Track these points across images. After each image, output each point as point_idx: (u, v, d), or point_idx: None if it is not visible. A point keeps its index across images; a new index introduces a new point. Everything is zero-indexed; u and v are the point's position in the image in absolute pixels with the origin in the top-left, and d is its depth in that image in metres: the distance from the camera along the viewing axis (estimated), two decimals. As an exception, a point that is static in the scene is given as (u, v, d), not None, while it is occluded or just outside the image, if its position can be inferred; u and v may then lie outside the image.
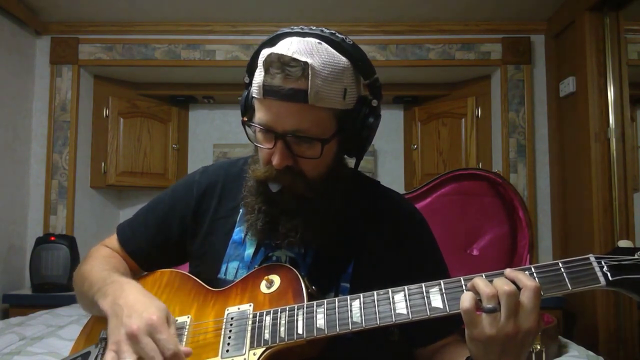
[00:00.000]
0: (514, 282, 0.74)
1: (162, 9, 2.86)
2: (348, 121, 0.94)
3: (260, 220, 0.96)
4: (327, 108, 0.90)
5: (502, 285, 0.73)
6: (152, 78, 3.28)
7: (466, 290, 0.76)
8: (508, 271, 0.76)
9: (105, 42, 3.04)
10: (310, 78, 0.85)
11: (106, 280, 0.95)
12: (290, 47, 0.88)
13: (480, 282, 0.75)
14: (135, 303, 0.85)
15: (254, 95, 0.92)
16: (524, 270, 0.77)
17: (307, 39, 0.92)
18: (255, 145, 0.98)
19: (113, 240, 1.14)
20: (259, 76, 0.89)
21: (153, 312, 0.83)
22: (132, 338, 0.80)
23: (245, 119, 0.97)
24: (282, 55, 0.86)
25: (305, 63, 0.85)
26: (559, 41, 2.83)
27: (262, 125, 0.91)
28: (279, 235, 0.95)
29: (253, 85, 0.92)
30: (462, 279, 0.78)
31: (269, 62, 0.87)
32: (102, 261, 1.05)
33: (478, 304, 0.73)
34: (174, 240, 1.09)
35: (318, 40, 0.92)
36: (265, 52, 0.89)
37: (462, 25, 3.01)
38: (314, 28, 0.94)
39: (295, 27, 0.95)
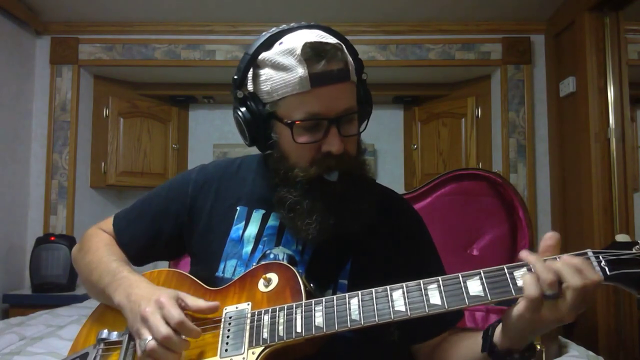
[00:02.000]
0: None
1: (162, 9, 2.86)
2: (359, 94, 0.98)
3: (327, 219, 0.93)
4: (354, 82, 0.95)
5: (573, 279, 0.70)
6: (152, 78, 3.28)
7: (512, 279, 0.74)
8: (566, 257, 0.74)
9: (105, 42, 3.04)
10: (346, 56, 0.91)
11: (116, 276, 0.97)
12: (309, 35, 0.91)
13: (540, 267, 0.73)
14: (146, 293, 0.89)
15: (294, 92, 0.89)
16: (524, 265, 0.76)
17: (304, 30, 0.95)
18: (279, 157, 0.97)
19: (109, 225, 1.15)
20: (294, 71, 0.88)
21: (160, 295, 0.86)
22: (144, 320, 0.83)
23: (289, 121, 0.91)
24: (315, 42, 0.88)
25: (338, 43, 0.90)
26: (559, 41, 2.83)
27: (315, 116, 0.90)
28: (344, 220, 0.93)
29: (285, 85, 0.90)
30: (460, 275, 0.78)
31: (305, 53, 0.87)
32: (107, 250, 1.07)
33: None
34: (166, 237, 1.10)
35: (314, 30, 0.96)
36: (286, 48, 0.90)
37: (462, 25, 3.01)
38: (297, 23, 0.97)
39: (283, 26, 0.97)
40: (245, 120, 0.96)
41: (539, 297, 0.71)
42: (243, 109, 0.96)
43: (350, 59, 0.93)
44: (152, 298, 0.86)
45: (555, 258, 0.75)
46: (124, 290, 0.92)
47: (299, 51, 0.87)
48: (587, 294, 0.71)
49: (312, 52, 0.87)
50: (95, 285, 1.01)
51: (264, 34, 0.96)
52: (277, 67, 0.90)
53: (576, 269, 0.71)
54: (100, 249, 1.07)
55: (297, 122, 0.91)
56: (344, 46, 0.92)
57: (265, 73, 0.93)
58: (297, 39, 0.91)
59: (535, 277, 0.72)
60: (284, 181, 0.96)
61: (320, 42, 0.88)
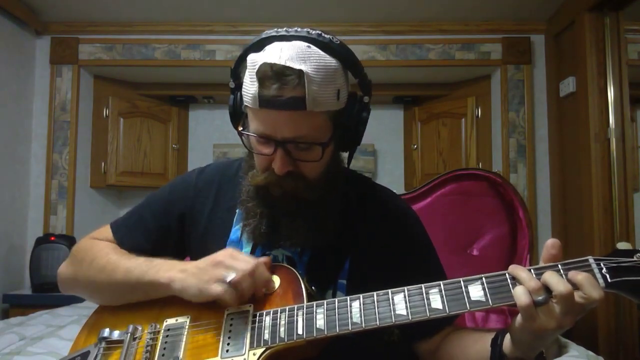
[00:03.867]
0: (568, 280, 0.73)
1: (162, 9, 2.86)
2: (342, 120, 0.95)
3: (263, 224, 0.96)
4: (323, 112, 0.90)
5: (558, 287, 0.72)
6: (152, 78, 3.28)
7: (513, 285, 0.76)
8: (572, 274, 0.74)
9: (105, 42, 3.04)
10: (306, 85, 0.85)
11: (152, 262, 0.96)
12: (282, 54, 0.86)
13: (524, 275, 0.75)
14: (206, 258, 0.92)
15: (247, 104, 0.91)
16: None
17: (294, 42, 0.90)
18: (251, 152, 0.98)
19: (105, 235, 1.12)
20: (251, 87, 0.88)
21: (228, 249, 0.92)
22: (220, 264, 0.88)
23: (241, 128, 0.97)
24: (274, 64, 0.85)
25: (300, 71, 0.84)
26: (559, 41, 2.83)
27: (260, 135, 0.91)
28: (281, 237, 0.96)
29: (246, 95, 0.91)
30: (461, 280, 0.78)
31: (262, 73, 0.86)
32: (119, 252, 1.05)
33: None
34: (174, 238, 1.10)
35: (307, 44, 0.90)
36: (255, 60, 0.88)
37: (462, 25, 3.01)
38: (299, 30, 0.92)
39: (279, 30, 0.93)
40: (229, 108, 1.01)
41: (530, 305, 0.72)
42: (231, 97, 1.01)
43: (313, 88, 0.85)
44: (221, 252, 0.91)
45: (557, 265, 0.75)
46: (173, 267, 0.93)
47: (256, 68, 0.87)
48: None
49: (268, 74, 0.85)
50: (121, 283, 0.98)
51: (264, 33, 0.95)
52: (249, 74, 0.90)
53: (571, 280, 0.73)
54: (110, 253, 1.04)
55: (246, 133, 0.94)
56: (307, 75, 0.84)
57: (246, 75, 0.93)
58: (268, 54, 0.88)
59: (524, 287, 0.74)
60: (245, 176, 1.01)
61: (281, 66, 0.84)
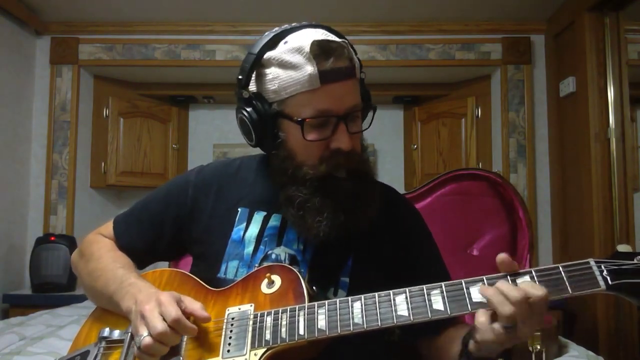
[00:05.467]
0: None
1: (162, 9, 2.86)
2: (362, 91, 0.99)
3: (338, 216, 0.94)
4: (358, 79, 0.97)
5: (514, 294, 0.73)
6: (152, 78, 3.28)
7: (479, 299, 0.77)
8: (525, 284, 0.76)
9: (105, 42, 3.04)
10: (352, 54, 0.93)
11: (123, 283, 0.96)
12: (314, 34, 0.92)
13: (495, 298, 0.75)
14: (150, 295, 0.89)
15: (304, 90, 0.90)
16: (525, 273, 0.77)
17: (307, 29, 0.95)
18: (288, 156, 0.97)
19: (109, 229, 1.14)
20: (303, 69, 0.89)
21: (161, 294, 0.87)
22: (142, 317, 0.84)
23: (298, 119, 0.92)
24: (321, 40, 0.89)
25: (343, 41, 0.92)
26: (559, 41, 2.83)
27: (324, 114, 0.91)
28: (354, 218, 0.95)
29: (294, 83, 0.91)
30: (463, 281, 0.78)
31: (315, 50, 0.89)
32: (111, 257, 1.06)
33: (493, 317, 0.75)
34: (165, 240, 1.10)
35: (317, 29, 0.96)
36: (294, 46, 0.90)
37: (462, 25, 3.01)
38: (299, 23, 0.97)
39: (286, 25, 0.97)
40: (252, 120, 0.97)
41: (487, 322, 0.76)
42: (249, 109, 0.97)
43: (355, 56, 0.95)
44: (153, 297, 0.86)
45: (531, 271, 0.77)
46: (132, 297, 0.91)
47: (307, 49, 0.88)
48: (521, 312, 0.73)
49: (320, 50, 0.89)
50: (101, 292, 1.01)
51: (267, 33, 0.96)
52: (284, 65, 0.91)
53: (503, 295, 0.74)
54: (103, 256, 1.06)
55: (307, 120, 0.92)
56: (348, 44, 0.93)
57: (272, 72, 0.93)
58: (303, 38, 0.91)
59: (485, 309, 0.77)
60: (292, 180, 0.97)
61: (327, 40, 0.90)
